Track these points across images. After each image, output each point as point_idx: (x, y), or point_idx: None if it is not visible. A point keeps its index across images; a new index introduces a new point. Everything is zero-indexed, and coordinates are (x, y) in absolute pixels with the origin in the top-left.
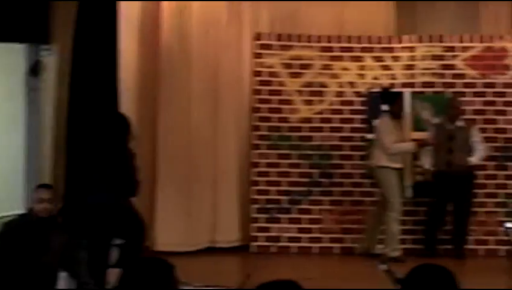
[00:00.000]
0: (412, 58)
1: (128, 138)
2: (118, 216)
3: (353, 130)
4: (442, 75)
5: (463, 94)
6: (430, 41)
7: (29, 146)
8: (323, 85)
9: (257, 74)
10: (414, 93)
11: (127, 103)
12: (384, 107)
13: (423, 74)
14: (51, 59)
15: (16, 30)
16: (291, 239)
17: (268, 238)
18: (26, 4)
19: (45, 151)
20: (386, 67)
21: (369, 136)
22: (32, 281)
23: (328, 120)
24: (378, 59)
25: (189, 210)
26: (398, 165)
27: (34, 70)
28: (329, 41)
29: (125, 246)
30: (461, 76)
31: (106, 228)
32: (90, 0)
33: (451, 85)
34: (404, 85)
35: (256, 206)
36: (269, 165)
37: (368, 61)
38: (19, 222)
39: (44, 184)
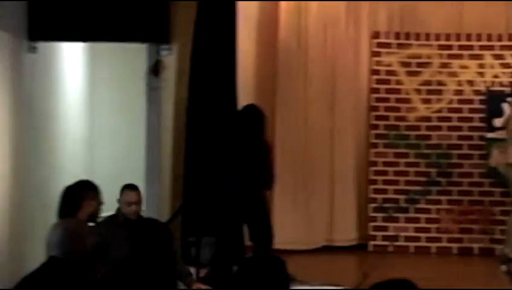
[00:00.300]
0: None
1: (264, 130)
2: (253, 206)
3: (472, 129)
4: None
5: None
6: None
7: (150, 145)
8: (441, 83)
9: (375, 72)
10: None
11: (245, 102)
12: None
13: None
14: (171, 58)
15: (137, 30)
16: (409, 238)
17: (385, 238)
18: (146, 4)
19: (165, 150)
20: (506, 66)
21: (489, 135)
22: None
23: (447, 119)
24: (498, 57)
25: (306, 209)
26: None
27: (155, 69)
28: (447, 39)
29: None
30: None
31: (239, 217)
32: (210, 0)
33: None
34: None
35: (374, 205)
36: (387, 164)
37: (488, 59)
38: (106, 223)
39: (130, 185)
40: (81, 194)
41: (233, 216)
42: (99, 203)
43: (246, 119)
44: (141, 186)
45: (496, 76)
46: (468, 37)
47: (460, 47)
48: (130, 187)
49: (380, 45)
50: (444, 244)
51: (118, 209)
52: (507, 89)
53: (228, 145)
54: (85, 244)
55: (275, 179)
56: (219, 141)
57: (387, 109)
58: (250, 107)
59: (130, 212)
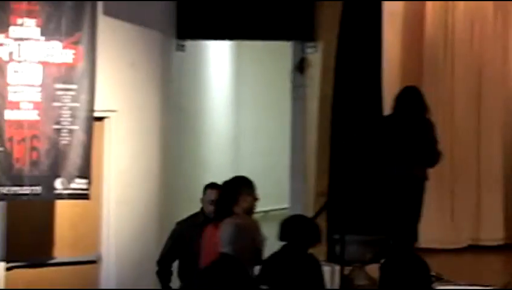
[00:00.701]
0: None
1: (427, 108)
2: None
3: None
4: None
5: None
6: None
7: (295, 141)
8: None
9: None
10: None
11: (390, 100)
12: None
13: None
14: (316, 56)
15: (282, 28)
16: None
17: None
18: (292, 3)
19: (310, 146)
20: None
21: None
22: None
23: None
24: None
25: (452, 208)
26: None
27: (300, 67)
28: None
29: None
30: None
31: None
32: None
33: None
34: None
35: None
36: None
37: None
38: (189, 222)
39: (213, 184)
40: (238, 189)
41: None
42: (255, 198)
43: (407, 100)
44: (286, 182)
45: None
46: None
47: None
48: (212, 186)
49: None
50: None
51: (201, 209)
52: None
53: (390, 129)
54: (255, 241)
55: (439, 155)
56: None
57: None
58: (409, 88)
59: (211, 211)
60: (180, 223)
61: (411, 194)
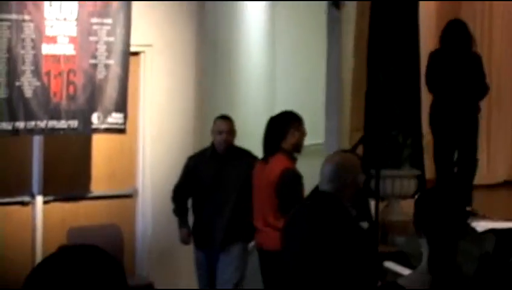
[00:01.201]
0: None
1: (473, 41)
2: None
3: None
4: None
5: None
6: None
7: (330, 78)
8: None
9: None
10: None
11: (426, 35)
12: None
13: None
14: None
15: None
16: None
17: None
18: None
19: (345, 83)
20: None
21: None
22: None
23: None
24: None
25: (488, 143)
26: None
27: (336, 3)
28: None
29: None
30: None
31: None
32: None
33: None
34: None
35: None
36: None
37: None
38: (199, 156)
39: (223, 116)
40: (286, 124)
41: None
42: (303, 133)
43: (453, 33)
44: (321, 118)
45: None
46: None
47: None
48: (221, 117)
49: None
50: None
51: (212, 143)
52: None
53: (438, 64)
54: (356, 180)
55: (488, 90)
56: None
57: None
58: (454, 22)
59: (220, 141)
60: (191, 158)
61: (469, 126)
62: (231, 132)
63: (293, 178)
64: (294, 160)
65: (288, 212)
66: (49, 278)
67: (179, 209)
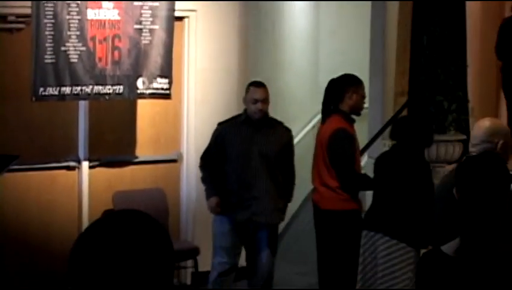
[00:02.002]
0: None
1: None
2: None
3: None
4: None
5: None
6: None
7: (374, 39)
8: None
9: None
10: None
11: None
12: None
13: None
14: None
15: None
16: None
17: None
18: None
19: (390, 44)
20: None
21: None
22: None
23: None
24: None
25: None
26: None
27: None
28: None
29: None
30: None
31: None
32: None
33: None
34: None
35: None
36: None
37: None
38: (230, 122)
39: (257, 82)
40: (343, 86)
41: None
42: (362, 96)
43: None
44: (365, 82)
45: None
46: None
47: None
48: (256, 84)
49: None
50: None
51: (244, 110)
52: None
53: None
54: (506, 144)
55: None
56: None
57: None
58: None
59: (255, 110)
60: (221, 123)
61: None
62: (266, 100)
63: (343, 137)
64: (351, 122)
65: (338, 170)
66: (96, 244)
67: (208, 178)
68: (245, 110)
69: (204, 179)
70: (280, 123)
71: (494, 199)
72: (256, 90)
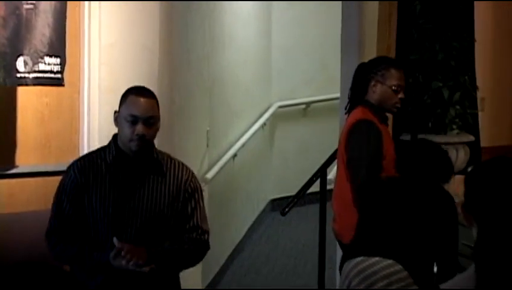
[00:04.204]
0: None
1: None
2: None
3: None
4: None
5: None
6: None
7: (347, 7)
8: None
9: None
10: None
11: None
12: None
13: None
14: None
15: None
16: None
17: None
18: None
19: (368, 14)
20: None
21: None
22: None
23: None
24: None
25: None
26: None
27: None
28: None
29: None
30: None
31: None
32: None
33: None
34: None
35: None
36: None
37: None
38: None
39: (139, 88)
40: (367, 75)
41: None
42: (393, 89)
43: None
44: (336, 61)
45: None
46: None
47: None
48: (139, 91)
49: None
50: None
51: (113, 137)
52: None
53: None
54: None
55: None
56: None
57: None
58: None
59: (131, 138)
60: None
61: None
62: (154, 121)
63: (364, 129)
64: (381, 118)
65: (355, 173)
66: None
67: (77, 253)
68: (114, 138)
69: (72, 258)
70: (174, 162)
71: None
72: (138, 102)
